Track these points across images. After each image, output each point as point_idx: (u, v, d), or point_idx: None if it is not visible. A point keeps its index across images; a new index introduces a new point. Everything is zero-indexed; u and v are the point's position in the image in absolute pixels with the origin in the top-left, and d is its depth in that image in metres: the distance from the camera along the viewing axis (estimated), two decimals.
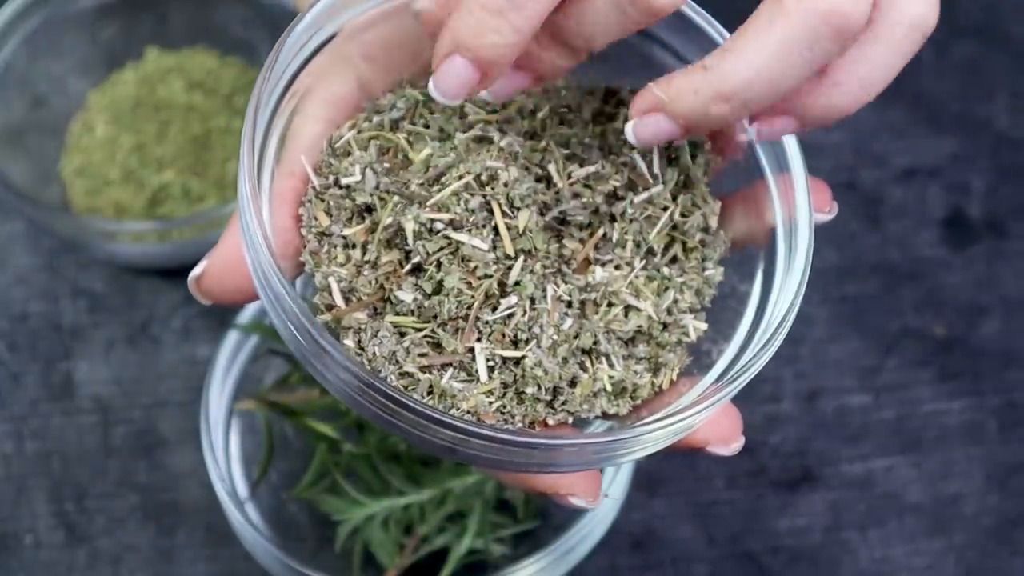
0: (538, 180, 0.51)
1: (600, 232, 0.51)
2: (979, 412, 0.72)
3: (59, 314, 0.75)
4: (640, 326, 0.50)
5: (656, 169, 0.51)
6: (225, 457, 0.66)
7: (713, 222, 0.52)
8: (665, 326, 0.51)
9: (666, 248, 0.52)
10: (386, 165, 0.50)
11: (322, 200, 0.50)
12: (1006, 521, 0.69)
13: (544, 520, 0.68)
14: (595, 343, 0.49)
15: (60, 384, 0.73)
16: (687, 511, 0.70)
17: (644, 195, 0.51)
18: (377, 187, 0.50)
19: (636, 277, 0.51)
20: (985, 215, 0.78)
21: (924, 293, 0.76)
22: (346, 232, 0.49)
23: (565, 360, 0.49)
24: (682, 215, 0.51)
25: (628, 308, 0.50)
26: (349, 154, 0.51)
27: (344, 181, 0.50)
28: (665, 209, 0.51)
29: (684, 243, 0.52)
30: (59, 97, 0.80)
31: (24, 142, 0.79)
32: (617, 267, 0.51)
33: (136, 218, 0.76)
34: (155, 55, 0.81)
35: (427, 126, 0.51)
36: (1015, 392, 0.73)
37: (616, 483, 0.64)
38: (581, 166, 0.51)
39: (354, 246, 0.49)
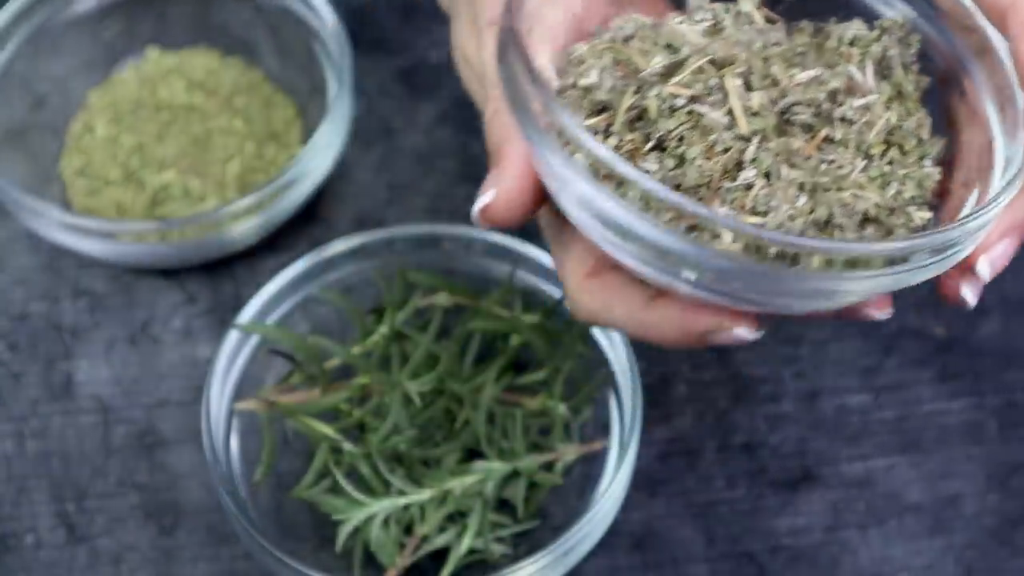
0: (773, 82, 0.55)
1: (823, 133, 0.55)
2: (979, 412, 0.72)
3: (60, 314, 0.75)
4: (868, 210, 0.54)
5: (871, 80, 0.56)
6: (226, 457, 0.67)
7: (924, 132, 0.57)
8: (892, 211, 0.54)
9: (883, 153, 0.56)
10: (619, 73, 0.55)
11: (563, 98, 0.55)
12: (1006, 521, 0.69)
13: (544, 520, 0.68)
14: (831, 216, 0.53)
15: (60, 384, 0.73)
16: (687, 511, 0.70)
17: (862, 100, 0.56)
18: (613, 88, 0.54)
19: (860, 173, 0.54)
20: None
21: (924, 293, 0.76)
22: (587, 123, 0.54)
23: (802, 233, 0.52)
24: (898, 121, 0.56)
25: (856, 196, 0.54)
26: (583, 63, 0.56)
27: (582, 83, 0.55)
28: (881, 115, 0.56)
29: (900, 146, 0.56)
30: (59, 97, 0.81)
31: (24, 142, 0.79)
32: (840, 166, 0.54)
33: (137, 218, 0.76)
34: (156, 55, 0.82)
35: (655, 43, 0.56)
36: (1015, 392, 0.73)
37: (616, 483, 0.64)
38: (803, 69, 0.55)
39: (595, 132, 0.54)
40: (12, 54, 0.79)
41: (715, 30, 0.58)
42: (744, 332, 0.54)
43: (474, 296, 0.68)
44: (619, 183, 0.51)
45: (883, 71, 0.57)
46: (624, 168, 0.51)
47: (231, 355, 0.68)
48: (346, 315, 0.70)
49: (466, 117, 0.82)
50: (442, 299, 0.68)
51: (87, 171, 0.78)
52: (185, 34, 0.83)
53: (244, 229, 0.74)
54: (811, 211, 0.53)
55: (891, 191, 0.55)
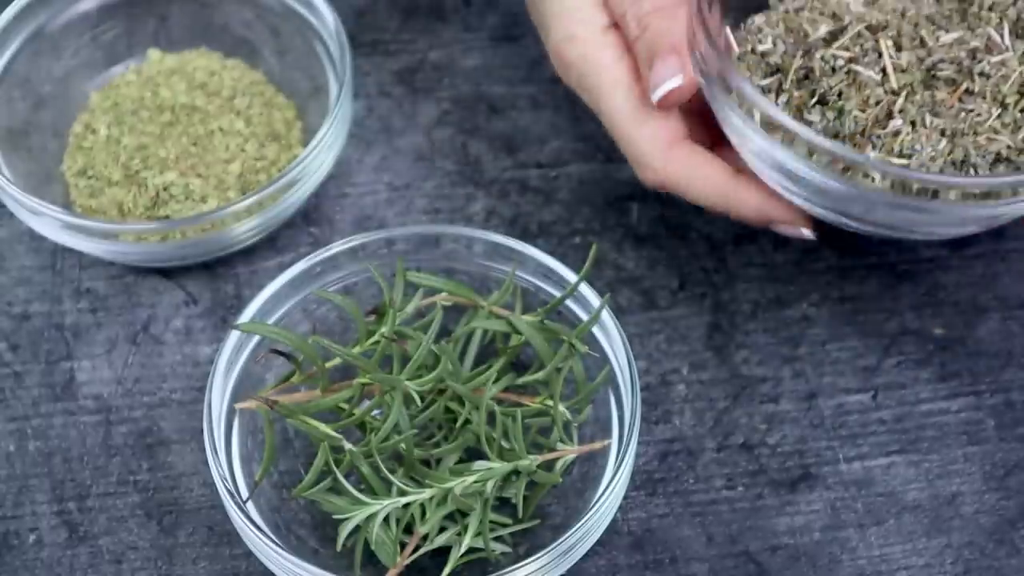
0: (921, 42, 0.66)
1: (963, 86, 0.65)
2: (977, 411, 0.72)
3: (61, 314, 0.76)
4: (1000, 151, 0.64)
5: (1007, 40, 0.66)
6: (226, 456, 0.67)
7: None
8: (1021, 151, 0.65)
9: (1017, 102, 0.65)
10: (790, 40, 0.67)
11: (742, 62, 0.68)
12: (1004, 520, 0.69)
13: (544, 520, 0.68)
14: (966, 156, 0.64)
15: (62, 384, 0.73)
16: (686, 511, 0.70)
17: (998, 57, 0.66)
18: (785, 52, 0.67)
19: (995, 120, 0.65)
20: None
21: (923, 293, 0.76)
22: (762, 83, 0.67)
23: (941, 171, 0.64)
24: None
25: (990, 139, 0.64)
26: (761, 31, 0.68)
27: (760, 48, 0.67)
28: (1015, 70, 0.65)
29: None
30: (61, 98, 0.81)
31: (26, 143, 0.79)
32: (978, 114, 0.65)
33: (138, 219, 0.76)
34: (157, 56, 0.82)
35: (822, 13, 0.68)
36: (1013, 391, 0.73)
37: (616, 483, 0.64)
38: (947, 32, 0.66)
39: (769, 91, 0.67)
40: (13, 54, 0.79)
41: (873, 0, 0.68)
42: (807, 232, 0.69)
43: (474, 296, 0.68)
44: (787, 136, 0.63)
45: (1019, 31, 0.67)
46: (790, 123, 0.62)
47: (231, 355, 0.68)
48: (346, 315, 0.70)
49: (466, 117, 0.83)
50: (442, 299, 0.68)
51: (89, 171, 0.78)
52: (186, 35, 0.83)
53: (245, 229, 0.74)
54: (949, 153, 0.64)
55: (1022, 134, 0.65)
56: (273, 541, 0.63)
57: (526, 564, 0.62)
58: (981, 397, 0.73)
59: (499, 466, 0.64)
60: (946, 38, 0.66)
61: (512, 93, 0.83)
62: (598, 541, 0.66)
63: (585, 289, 0.69)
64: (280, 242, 0.78)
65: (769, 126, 0.64)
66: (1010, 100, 0.65)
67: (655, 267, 0.77)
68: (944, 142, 0.64)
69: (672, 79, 0.68)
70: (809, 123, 0.65)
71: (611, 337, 0.68)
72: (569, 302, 0.70)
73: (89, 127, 0.80)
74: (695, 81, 0.67)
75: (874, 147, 0.65)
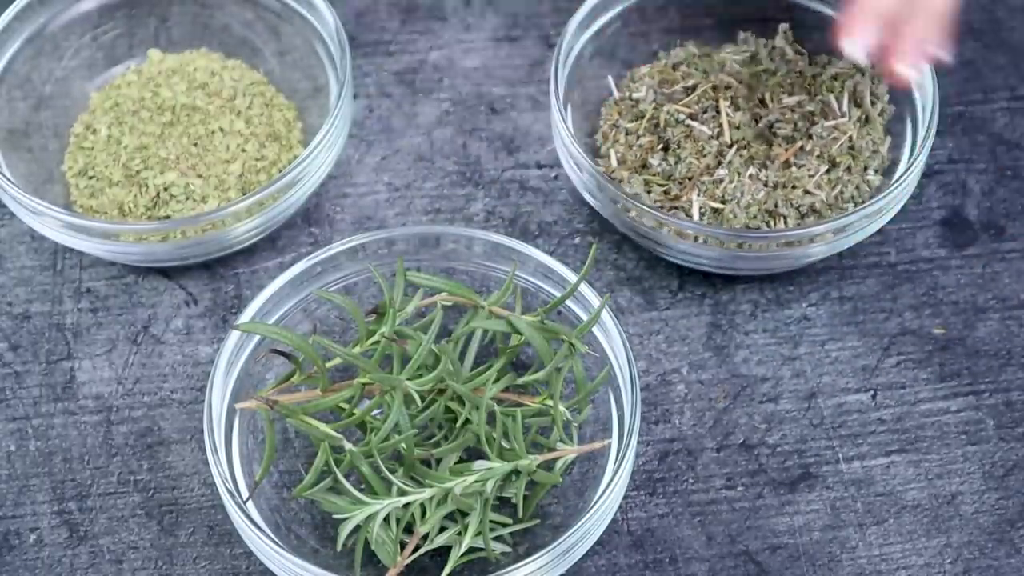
0: (761, 102, 0.78)
1: (798, 144, 0.76)
2: (977, 411, 0.72)
3: (61, 314, 0.76)
4: (813, 204, 0.74)
5: (844, 107, 0.77)
6: (227, 456, 0.67)
7: (883, 149, 0.77)
8: (830, 207, 0.74)
9: (846, 163, 0.75)
10: (664, 90, 0.78)
11: (618, 105, 0.79)
12: (1003, 520, 0.69)
13: (544, 520, 0.68)
14: (776, 206, 0.74)
15: (62, 384, 0.74)
16: (686, 510, 0.70)
17: (832, 122, 0.76)
18: (654, 100, 0.78)
19: (820, 176, 0.74)
20: (983, 216, 0.79)
21: (922, 293, 0.76)
22: (627, 125, 0.77)
23: (754, 216, 0.74)
24: (858, 139, 0.76)
25: (806, 192, 0.74)
26: (641, 79, 0.79)
27: (634, 95, 0.79)
28: (845, 133, 0.76)
29: (855, 157, 0.76)
30: (61, 98, 0.81)
31: (27, 143, 0.79)
32: (810, 170, 0.75)
33: (139, 219, 0.76)
34: (158, 57, 0.82)
35: (697, 69, 0.79)
36: (1012, 391, 0.73)
37: (616, 483, 0.64)
38: (790, 95, 0.78)
39: (629, 133, 0.77)
40: (14, 55, 0.79)
41: (752, 60, 0.79)
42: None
43: (474, 296, 0.68)
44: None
45: (858, 98, 0.78)
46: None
47: (231, 355, 0.68)
48: (346, 315, 0.70)
49: (466, 117, 0.83)
50: (442, 299, 0.68)
51: (89, 172, 0.78)
52: (186, 36, 0.83)
53: (245, 229, 0.74)
54: (764, 202, 0.74)
55: (836, 191, 0.75)
56: (273, 541, 0.63)
57: (526, 564, 0.62)
58: (981, 397, 0.73)
59: (499, 466, 0.64)
60: (788, 100, 0.77)
61: (512, 93, 0.83)
62: (598, 541, 0.66)
63: (585, 289, 0.69)
64: (280, 242, 0.78)
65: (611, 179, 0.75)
66: (840, 160, 0.75)
67: (655, 267, 0.77)
68: (762, 192, 0.74)
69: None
70: (651, 165, 0.75)
71: (611, 337, 0.68)
72: (569, 302, 0.70)
73: (90, 127, 0.80)
74: None
75: (699, 191, 0.74)
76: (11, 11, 0.78)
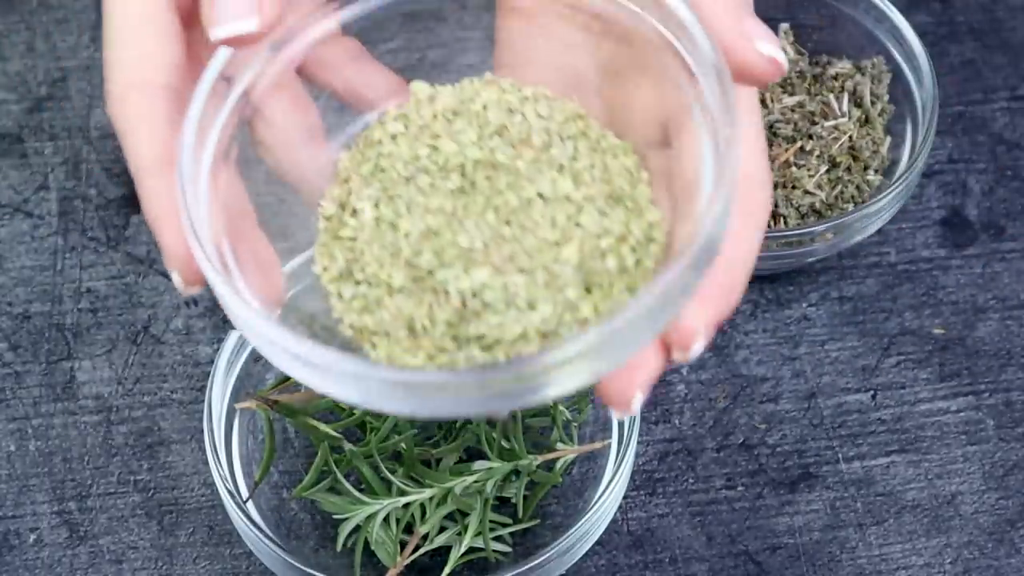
0: (761, 102, 0.68)
1: (798, 144, 0.75)
2: (977, 411, 0.72)
3: (61, 314, 0.76)
4: (813, 204, 0.74)
5: (844, 107, 0.77)
6: (227, 456, 0.67)
7: (883, 149, 0.77)
8: (830, 207, 0.75)
9: (846, 163, 0.75)
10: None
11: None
12: (1004, 520, 0.69)
13: (544, 520, 0.68)
14: (776, 206, 0.74)
15: (62, 384, 0.74)
16: (686, 510, 0.70)
17: (832, 122, 0.76)
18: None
19: (820, 176, 0.75)
20: (983, 216, 0.79)
21: (922, 293, 0.76)
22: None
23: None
24: (858, 139, 0.76)
25: (807, 193, 0.75)
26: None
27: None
28: (846, 133, 0.76)
29: (856, 157, 0.76)
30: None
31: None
32: (810, 170, 0.75)
33: (440, 344, 0.50)
34: (425, 92, 0.56)
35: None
36: (1013, 391, 0.73)
37: (616, 483, 0.64)
38: (790, 96, 0.77)
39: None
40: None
41: None
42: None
43: None
44: None
45: (858, 98, 0.77)
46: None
47: (231, 355, 0.68)
48: None
49: None
50: None
51: (356, 274, 0.51)
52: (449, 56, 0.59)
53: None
54: None
55: (836, 191, 0.75)
56: (273, 541, 0.63)
57: (526, 564, 0.62)
58: (981, 397, 0.73)
59: (499, 466, 0.64)
60: (788, 101, 0.76)
61: None
62: (598, 541, 0.66)
63: None
64: None
65: None
66: (840, 160, 0.75)
67: None
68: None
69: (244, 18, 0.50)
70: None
71: None
72: None
73: (346, 206, 0.53)
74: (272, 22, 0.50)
75: None
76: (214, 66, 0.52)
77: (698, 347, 0.48)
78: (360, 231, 0.52)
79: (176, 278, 0.50)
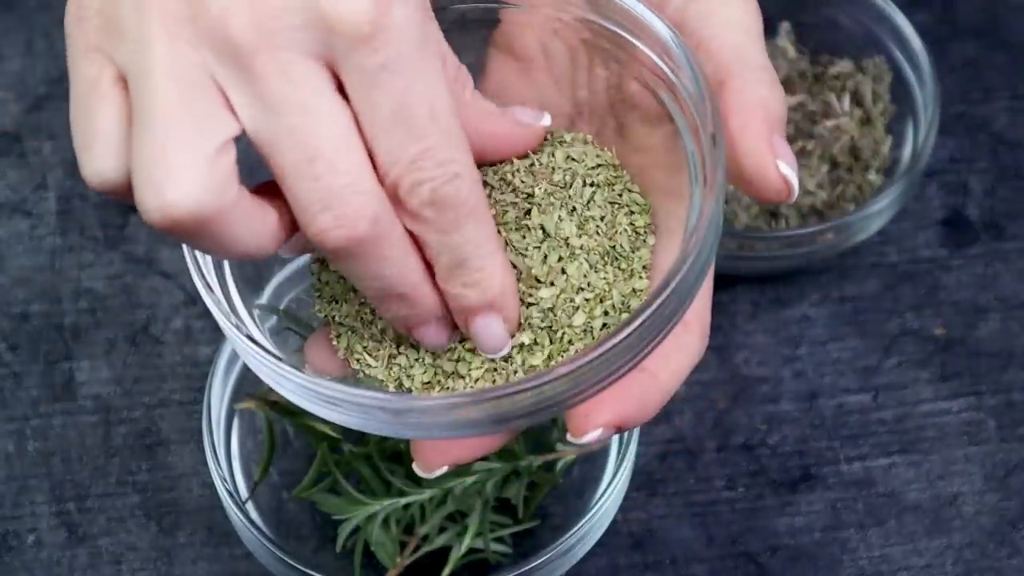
0: None
1: (799, 144, 0.76)
2: (978, 412, 0.72)
3: (61, 314, 0.76)
4: (814, 204, 0.75)
5: (846, 107, 0.77)
6: (226, 457, 0.67)
7: (884, 149, 0.76)
8: (831, 207, 0.75)
9: (846, 163, 0.75)
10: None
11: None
12: (1005, 521, 0.69)
13: (544, 520, 0.68)
14: (777, 206, 0.74)
15: (61, 384, 0.73)
16: (686, 511, 0.70)
17: (833, 121, 0.76)
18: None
19: (821, 176, 0.75)
20: (984, 216, 0.79)
21: (923, 293, 0.76)
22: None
23: (755, 217, 0.74)
24: (859, 139, 0.76)
25: (808, 192, 0.74)
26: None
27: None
28: (847, 133, 0.76)
29: (857, 157, 0.76)
30: None
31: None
32: (809, 170, 0.75)
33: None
34: None
35: None
36: (1013, 392, 0.73)
37: (616, 483, 0.64)
38: (791, 96, 0.77)
39: None
40: None
41: None
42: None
43: None
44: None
45: (858, 98, 0.77)
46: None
47: (231, 355, 0.68)
48: None
49: None
50: None
51: (336, 315, 0.52)
52: None
53: None
54: None
55: (837, 192, 0.75)
56: (272, 542, 0.63)
57: (526, 565, 0.62)
58: (982, 397, 0.73)
59: (499, 466, 0.64)
60: (789, 100, 0.75)
61: None
62: (598, 541, 0.66)
63: None
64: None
65: None
66: (841, 160, 0.75)
67: None
68: None
69: None
70: None
71: None
72: None
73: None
74: None
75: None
76: None
77: (590, 438, 0.48)
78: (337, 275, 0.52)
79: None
